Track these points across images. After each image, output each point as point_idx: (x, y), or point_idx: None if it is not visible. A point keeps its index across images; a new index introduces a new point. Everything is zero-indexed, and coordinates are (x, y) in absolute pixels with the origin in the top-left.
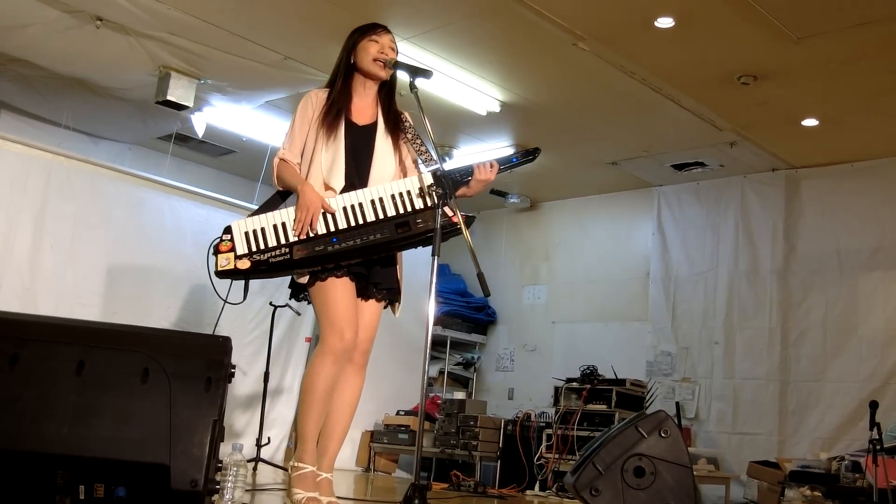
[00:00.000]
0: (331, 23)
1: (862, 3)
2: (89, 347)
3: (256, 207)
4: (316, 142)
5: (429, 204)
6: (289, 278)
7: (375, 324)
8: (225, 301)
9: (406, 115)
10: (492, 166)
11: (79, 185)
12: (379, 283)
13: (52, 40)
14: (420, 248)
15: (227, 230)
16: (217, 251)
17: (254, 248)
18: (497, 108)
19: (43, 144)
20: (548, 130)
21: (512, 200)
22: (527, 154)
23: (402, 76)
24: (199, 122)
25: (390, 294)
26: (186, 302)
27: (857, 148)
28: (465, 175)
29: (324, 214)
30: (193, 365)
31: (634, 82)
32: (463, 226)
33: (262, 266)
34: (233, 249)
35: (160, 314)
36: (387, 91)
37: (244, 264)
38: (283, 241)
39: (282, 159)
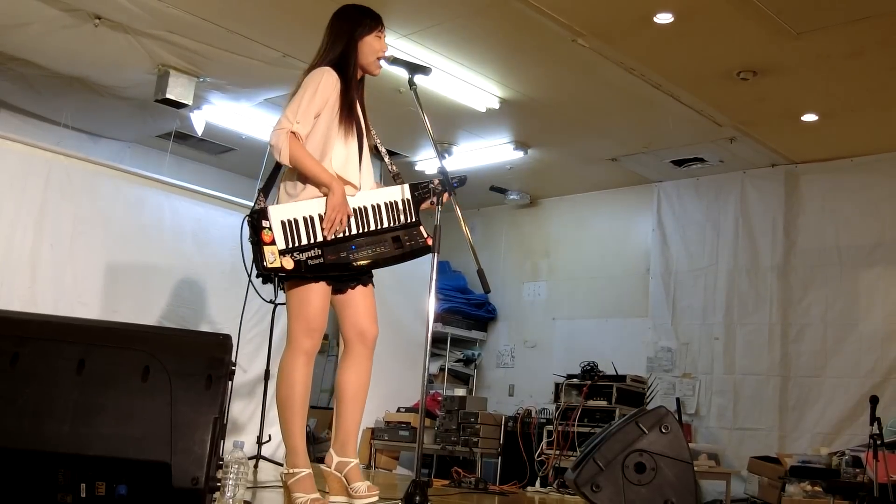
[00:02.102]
0: None
1: None
2: (90, 346)
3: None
4: (329, 129)
5: (407, 221)
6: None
7: (375, 305)
8: (249, 279)
9: None
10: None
11: (78, 183)
12: (369, 275)
13: (51, 39)
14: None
15: (264, 214)
16: (262, 242)
17: (290, 244)
18: (496, 105)
19: (42, 143)
20: (547, 127)
21: (512, 197)
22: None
23: (401, 73)
24: (199, 120)
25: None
26: (186, 300)
27: (857, 143)
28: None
29: None
30: (194, 363)
31: (634, 78)
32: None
33: (302, 268)
34: (274, 242)
35: (160, 312)
36: (363, 88)
37: (289, 263)
38: (312, 239)
39: (294, 133)
